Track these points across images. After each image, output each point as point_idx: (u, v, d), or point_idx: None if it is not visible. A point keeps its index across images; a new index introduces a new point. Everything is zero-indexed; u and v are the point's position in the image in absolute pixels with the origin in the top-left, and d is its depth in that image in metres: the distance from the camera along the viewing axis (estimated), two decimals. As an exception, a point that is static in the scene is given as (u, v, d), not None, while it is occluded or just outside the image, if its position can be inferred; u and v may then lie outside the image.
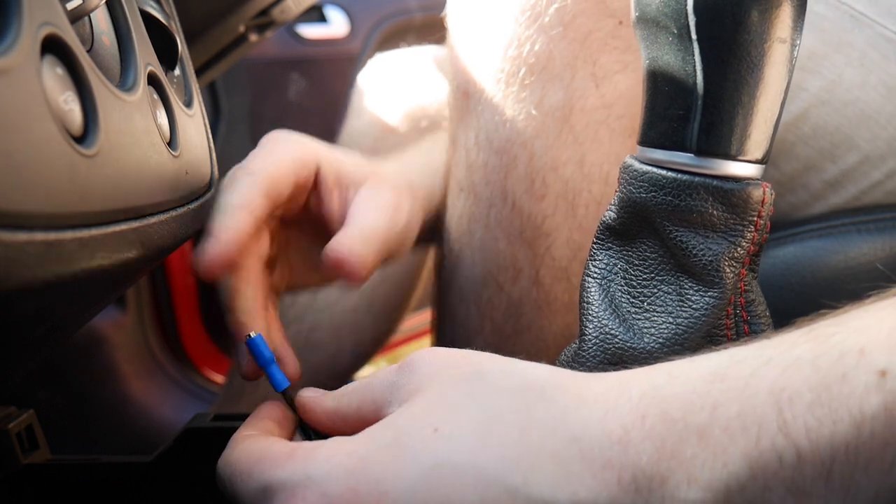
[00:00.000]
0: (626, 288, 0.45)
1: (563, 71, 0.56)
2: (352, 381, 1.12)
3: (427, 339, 1.52)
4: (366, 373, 1.32)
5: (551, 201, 0.59)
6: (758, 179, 0.42)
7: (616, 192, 0.45)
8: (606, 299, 0.45)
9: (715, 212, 0.41)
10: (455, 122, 0.63)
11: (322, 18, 1.42)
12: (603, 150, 0.58)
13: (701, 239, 0.42)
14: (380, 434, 0.36)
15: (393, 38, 1.49)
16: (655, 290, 0.44)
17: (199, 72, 0.90)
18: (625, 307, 0.45)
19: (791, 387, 0.32)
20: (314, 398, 0.44)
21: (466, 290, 0.64)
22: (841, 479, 0.31)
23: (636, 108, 0.56)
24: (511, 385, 0.36)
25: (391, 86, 1.02)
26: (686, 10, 0.40)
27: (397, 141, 0.99)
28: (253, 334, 0.45)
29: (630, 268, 0.45)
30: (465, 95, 0.61)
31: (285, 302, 0.99)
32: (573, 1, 0.55)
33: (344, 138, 1.03)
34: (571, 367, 0.45)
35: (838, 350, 0.33)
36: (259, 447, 0.39)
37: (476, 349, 0.40)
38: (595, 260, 0.46)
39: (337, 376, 0.98)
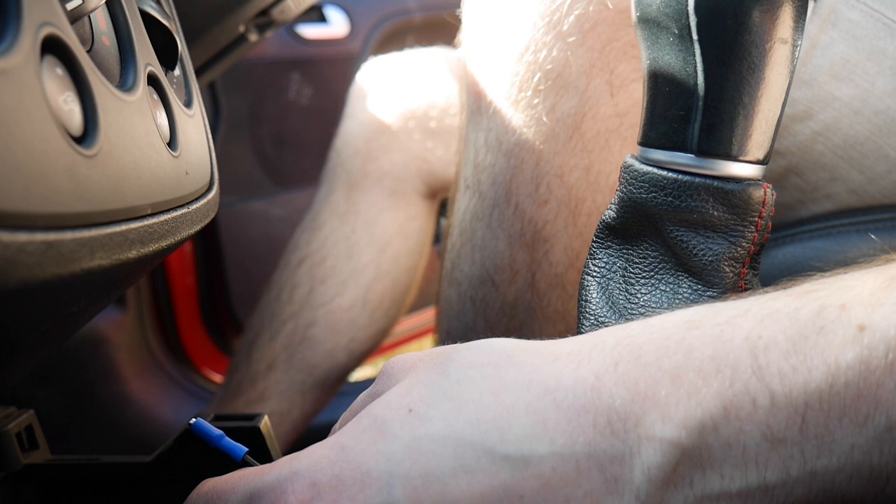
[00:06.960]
0: (623, 285, 0.45)
1: (578, 78, 0.55)
2: (347, 383, 1.12)
3: (427, 339, 1.52)
4: (363, 374, 1.32)
5: (553, 207, 0.58)
6: (759, 180, 0.42)
7: (616, 191, 0.45)
8: (605, 297, 0.45)
9: (716, 212, 0.41)
10: (466, 121, 0.63)
11: (322, 18, 1.42)
12: (611, 159, 0.57)
13: (702, 238, 0.42)
14: (358, 423, 0.36)
15: (393, 38, 1.49)
16: (653, 289, 0.44)
17: (199, 72, 0.90)
18: (621, 303, 0.45)
19: (767, 335, 0.32)
20: None
21: (465, 285, 0.64)
22: (815, 428, 0.31)
23: None
24: (481, 359, 0.36)
25: (387, 88, 1.02)
26: (687, 10, 0.39)
27: (389, 140, 1.00)
28: (193, 421, 0.45)
29: (629, 266, 0.45)
30: (478, 96, 0.61)
31: (282, 299, 0.99)
32: (594, 10, 0.54)
33: (338, 141, 1.04)
34: None
35: (819, 304, 0.33)
36: (235, 473, 0.38)
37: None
38: (595, 259, 0.46)
39: (333, 371, 0.99)
